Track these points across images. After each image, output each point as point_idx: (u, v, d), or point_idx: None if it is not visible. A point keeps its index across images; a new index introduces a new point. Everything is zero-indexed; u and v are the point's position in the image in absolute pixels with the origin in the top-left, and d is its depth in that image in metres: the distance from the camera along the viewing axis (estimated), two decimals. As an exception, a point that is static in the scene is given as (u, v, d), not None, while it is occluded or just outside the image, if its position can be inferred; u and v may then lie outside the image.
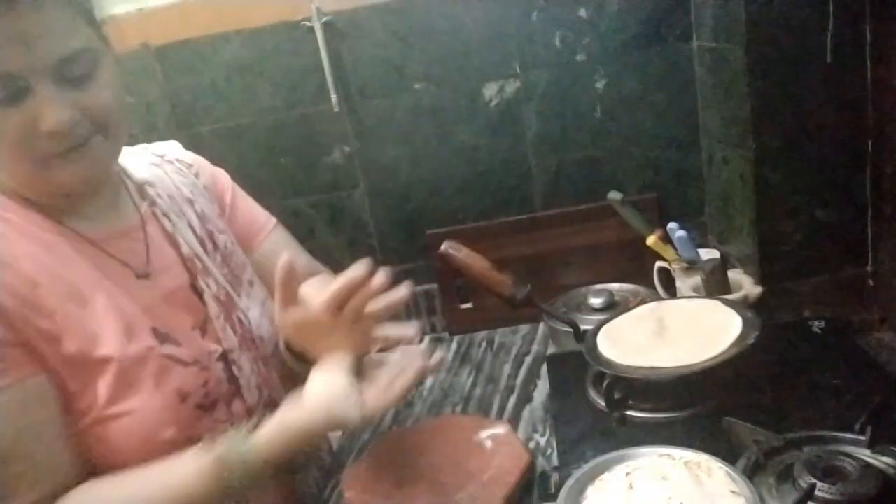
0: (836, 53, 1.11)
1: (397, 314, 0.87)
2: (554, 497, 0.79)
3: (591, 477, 0.80)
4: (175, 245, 0.89)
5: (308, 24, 1.43)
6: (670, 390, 0.99)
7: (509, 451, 0.98)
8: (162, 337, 0.80)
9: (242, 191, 1.08)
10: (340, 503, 1.00)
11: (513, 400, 1.21)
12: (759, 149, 1.19)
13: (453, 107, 1.49)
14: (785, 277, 1.25)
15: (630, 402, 1.01)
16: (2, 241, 0.75)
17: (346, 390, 0.78)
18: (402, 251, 1.58)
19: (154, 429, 0.77)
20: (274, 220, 1.09)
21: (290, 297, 0.84)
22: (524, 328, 1.48)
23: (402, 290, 0.86)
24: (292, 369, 0.93)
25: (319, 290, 0.86)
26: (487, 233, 1.51)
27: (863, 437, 0.81)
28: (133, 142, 1.53)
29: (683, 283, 1.30)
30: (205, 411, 0.82)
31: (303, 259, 1.10)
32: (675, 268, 1.31)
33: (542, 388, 1.22)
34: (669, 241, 1.29)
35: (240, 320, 0.90)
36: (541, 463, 1.01)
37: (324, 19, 1.42)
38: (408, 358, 0.86)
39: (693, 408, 0.98)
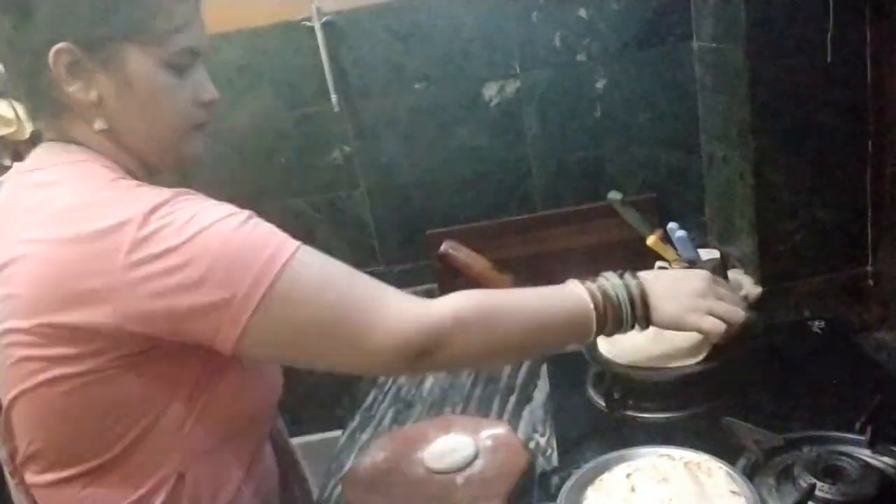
0: (836, 53, 1.11)
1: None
2: (554, 497, 0.79)
3: (591, 477, 0.80)
4: None
5: (308, 24, 1.43)
6: (670, 390, 0.99)
7: (509, 451, 0.98)
8: None
9: None
10: (340, 503, 1.00)
11: (513, 400, 1.21)
12: (759, 149, 1.19)
13: (453, 107, 1.48)
14: (785, 277, 1.25)
15: (630, 402, 1.01)
16: None
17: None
18: (402, 251, 1.58)
19: (275, 391, 0.86)
20: None
21: None
22: (524, 328, 1.48)
23: None
24: None
25: None
26: (487, 233, 1.51)
27: (863, 437, 0.82)
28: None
29: (683, 283, 1.30)
30: None
31: None
32: (675, 268, 1.31)
33: (542, 388, 1.22)
34: (669, 241, 1.29)
35: None
36: (541, 463, 1.01)
37: (324, 19, 1.42)
38: None
39: (693, 408, 0.98)
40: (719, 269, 1.26)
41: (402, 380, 1.36)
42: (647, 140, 1.48)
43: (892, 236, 1.17)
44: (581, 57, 1.44)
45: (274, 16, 1.45)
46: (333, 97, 1.46)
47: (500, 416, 1.16)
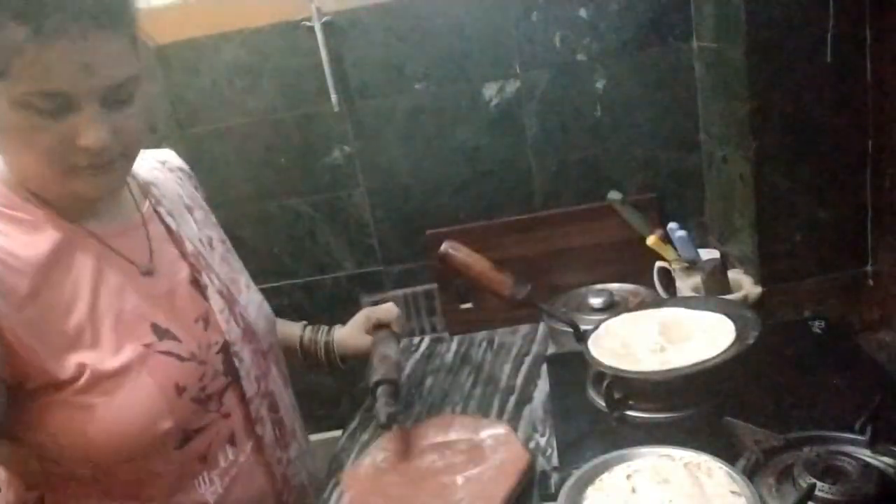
0: (836, 53, 1.11)
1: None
2: (554, 497, 0.79)
3: (591, 477, 0.80)
4: (177, 243, 0.91)
5: (308, 24, 1.43)
6: (670, 390, 0.99)
7: (509, 451, 0.98)
8: (161, 332, 0.82)
9: None
10: (340, 503, 1.00)
11: (513, 400, 1.21)
12: (759, 149, 1.19)
13: (453, 107, 1.49)
14: (785, 277, 1.25)
15: (630, 402, 1.01)
16: (9, 242, 0.76)
17: None
18: (402, 251, 1.58)
19: (153, 419, 0.78)
20: None
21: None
22: (524, 328, 1.48)
23: None
24: (286, 369, 1.03)
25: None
26: (487, 233, 1.51)
27: (863, 437, 0.81)
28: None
29: (683, 283, 1.30)
30: (200, 404, 0.84)
31: None
32: (675, 268, 1.31)
33: (542, 388, 1.22)
34: (669, 241, 1.29)
35: (241, 315, 0.93)
36: (541, 463, 1.00)
37: (324, 19, 1.42)
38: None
39: (693, 408, 0.98)
40: (719, 268, 1.26)
41: (402, 380, 1.36)
42: (647, 140, 1.48)
43: (892, 236, 1.17)
44: (581, 57, 1.44)
45: (274, 16, 1.45)
46: (333, 97, 1.46)
47: (500, 416, 1.16)
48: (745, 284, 1.27)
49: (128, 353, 0.79)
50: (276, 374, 0.98)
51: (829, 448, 0.80)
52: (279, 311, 1.07)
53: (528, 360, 1.35)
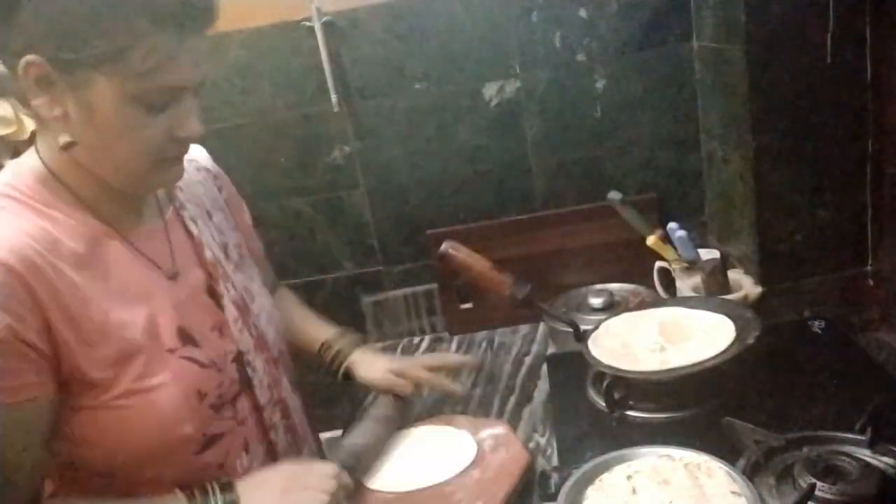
0: (836, 53, 1.11)
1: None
2: (554, 497, 0.79)
3: (591, 477, 0.80)
4: (196, 248, 0.91)
5: (308, 24, 1.43)
6: (670, 390, 0.99)
7: (509, 451, 0.98)
8: (185, 338, 0.82)
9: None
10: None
11: (513, 400, 1.21)
12: (759, 149, 1.19)
13: (453, 107, 1.49)
14: (785, 277, 1.25)
15: (630, 402, 1.01)
16: (53, 242, 0.75)
17: None
18: (402, 251, 1.58)
19: (175, 423, 0.79)
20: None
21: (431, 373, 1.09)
22: (524, 328, 1.48)
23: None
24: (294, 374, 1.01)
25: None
26: (487, 233, 1.51)
27: (863, 437, 0.82)
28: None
29: (683, 283, 1.30)
30: (216, 411, 0.84)
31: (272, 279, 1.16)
32: (675, 268, 1.31)
33: (542, 388, 1.22)
34: (669, 241, 1.29)
35: (254, 325, 0.93)
36: (541, 463, 1.01)
37: (324, 19, 1.42)
38: None
39: (693, 408, 0.98)
40: (719, 268, 1.26)
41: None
42: (647, 140, 1.48)
43: (892, 236, 1.17)
44: (581, 57, 1.44)
45: (274, 16, 1.45)
46: (333, 97, 1.46)
47: (500, 416, 1.16)
48: (745, 284, 1.27)
49: (154, 357, 0.78)
50: (287, 381, 0.97)
51: (829, 448, 0.81)
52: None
53: (528, 360, 1.35)
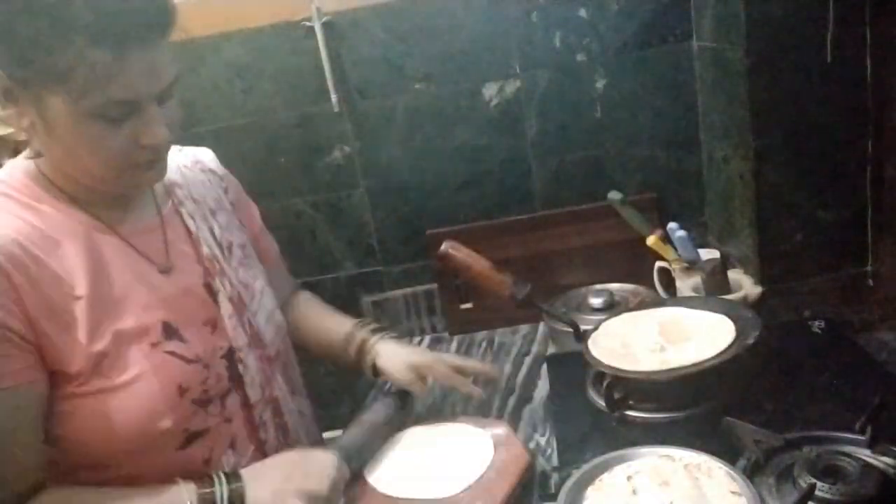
0: (836, 53, 1.11)
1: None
2: (554, 497, 0.79)
3: (591, 477, 0.80)
4: (194, 244, 0.92)
5: (308, 24, 1.43)
6: (670, 390, 0.99)
7: (509, 451, 0.98)
8: (170, 332, 0.83)
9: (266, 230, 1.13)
10: (341, 502, 0.99)
11: (513, 400, 1.21)
12: (759, 149, 1.19)
13: (453, 107, 1.49)
14: (785, 277, 1.25)
15: (630, 402, 1.01)
16: (39, 237, 0.77)
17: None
18: (402, 251, 1.58)
19: (153, 417, 0.79)
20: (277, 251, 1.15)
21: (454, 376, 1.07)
22: (524, 328, 1.48)
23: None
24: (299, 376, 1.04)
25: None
26: (487, 233, 1.51)
27: (863, 437, 0.81)
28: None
29: (683, 283, 1.30)
30: (201, 406, 0.85)
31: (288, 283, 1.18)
32: (675, 268, 1.31)
33: (542, 388, 1.22)
34: (669, 241, 1.29)
35: (249, 322, 0.93)
36: (541, 463, 1.01)
37: (324, 19, 1.42)
38: None
39: (693, 408, 0.98)
40: (719, 268, 1.26)
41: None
42: (647, 140, 1.48)
43: (892, 236, 1.17)
44: (581, 57, 1.44)
45: (274, 16, 1.45)
46: (333, 97, 1.46)
47: (500, 416, 1.16)
48: (745, 284, 1.27)
49: (135, 350, 0.79)
50: (282, 381, 0.97)
51: (829, 448, 0.80)
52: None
53: (528, 360, 1.35)
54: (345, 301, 1.60)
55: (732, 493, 0.73)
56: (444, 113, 1.49)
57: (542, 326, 1.45)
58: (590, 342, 1.07)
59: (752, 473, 0.79)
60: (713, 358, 0.96)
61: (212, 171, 1.02)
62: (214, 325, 0.89)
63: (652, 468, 0.78)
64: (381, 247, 1.58)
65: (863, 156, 1.17)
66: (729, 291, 1.24)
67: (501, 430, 1.04)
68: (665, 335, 1.04)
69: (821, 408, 0.95)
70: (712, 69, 1.34)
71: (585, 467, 0.81)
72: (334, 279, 1.61)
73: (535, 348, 1.39)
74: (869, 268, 1.23)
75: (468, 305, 1.54)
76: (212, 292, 0.90)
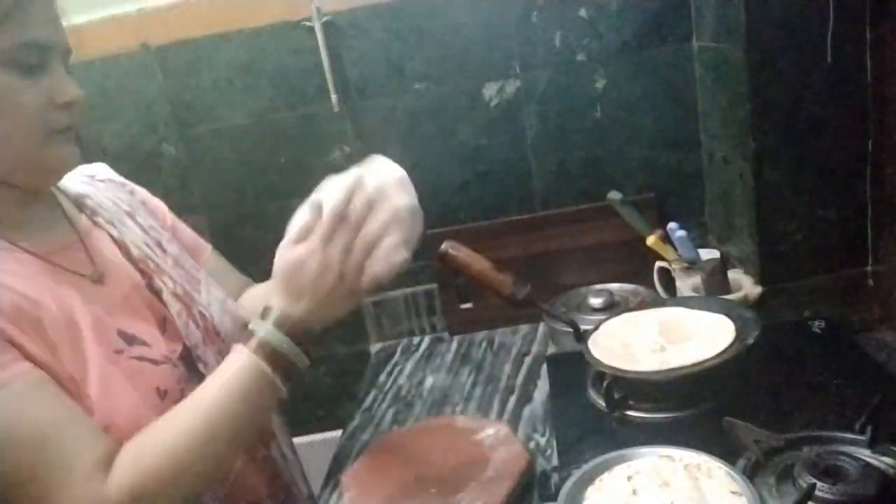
0: (836, 53, 1.11)
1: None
2: (554, 497, 0.79)
3: (591, 477, 0.80)
4: (124, 250, 0.89)
5: (308, 24, 1.43)
6: (670, 390, 0.99)
7: (509, 451, 0.98)
8: (129, 338, 0.80)
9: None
10: (340, 503, 1.00)
11: (513, 400, 1.21)
12: (759, 149, 1.19)
13: (453, 107, 1.49)
14: (785, 277, 1.25)
15: (630, 402, 1.01)
16: None
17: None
18: (402, 251, 1.58)
19: (137, 425, 0.76)
20: (209, 245, 1.11)
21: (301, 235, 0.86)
22: (524, 328, 1.49)
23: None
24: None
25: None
26: (487, 233, 1.51)
27: (863, 437, 0.81)
28: (133, 141, 1.53)
29: (683, 283, 1.30)
30: None
31: (237, 278, 1.13)
32: (675, 268, 1.31)
33: (542, 388, 1.22)
34: (669, 241, 1.29)
35: (201, 314, 0.91)
36: (541, 463, 1.01)
37: (324, 19, 1.42)
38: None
39: (693, 408, 0.98)
40: (719, 268, 1.26)
41: (402, 380, 1.36)
42: (647, 140, 1.48)
43: (892, 236, 1.17)
44: (581, 57, 1.44)
45: (274, 16, 1.45)
46: (333, 97, 1.46)
47: (500, 416, 1.16)
48: (745, 284, 1.27)
49: (100, 361, 0.76)
50: None
51: (829, 448, 0.80)
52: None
53: (528, 360, 1.35)
54: (345, 301, 1.60)
55: (732, 493, 0.73)
56: (444, 113, 1.49)
57: (542, 326, 1.45)
58: (590, 342, 1.07)
59: (752, 473, 0.79)
60: (713, 358, 0.96)
61: (109, 180, 0.99)
62: (163, 327, 0.86)
63: (652, 468, 0.78)
64: (381, 247, 1.58)
65: (863, 156, 1.17)
66: (729, 291, 1.24)
67: (501, 430, 1.04)
68: (665, 335, 1.04)
69: (821, 408, 0.95)
70: (712, 69, 1.34)
71: (585, 467, 0.81)
72: (334, 279, 1.60)
73: (535, 348, 1.39)
74: (869, 268, 1.23)
75: (468, 305, 1.54)
76: (154, 292, 0.88)
